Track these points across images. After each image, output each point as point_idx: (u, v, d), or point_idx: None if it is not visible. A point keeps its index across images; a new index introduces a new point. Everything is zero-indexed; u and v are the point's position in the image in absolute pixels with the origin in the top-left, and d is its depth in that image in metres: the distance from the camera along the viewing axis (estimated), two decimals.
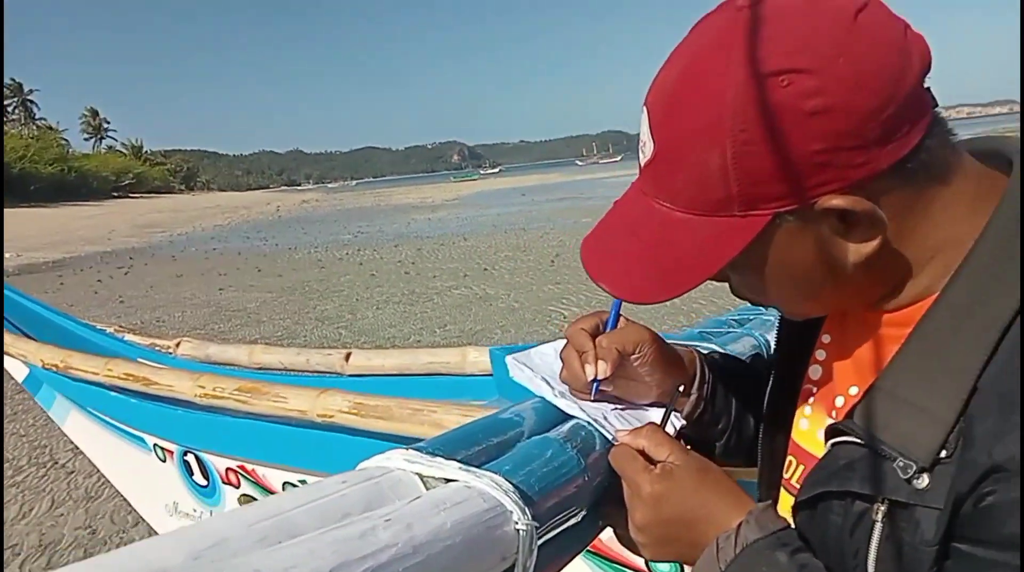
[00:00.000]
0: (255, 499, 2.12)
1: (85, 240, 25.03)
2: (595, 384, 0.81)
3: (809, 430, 0.73)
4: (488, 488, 0.63)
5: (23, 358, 2.55)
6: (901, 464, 0.52)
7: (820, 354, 0.73)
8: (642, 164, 0.63)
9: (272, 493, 2.03)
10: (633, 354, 0.81)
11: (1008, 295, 0.51)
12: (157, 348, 2.92)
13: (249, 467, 2.09)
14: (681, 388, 0.85)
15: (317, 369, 2.68)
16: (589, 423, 0.81)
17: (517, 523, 0.62)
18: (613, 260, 0.66)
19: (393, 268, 12.79)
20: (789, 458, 0.76)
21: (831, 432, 0.60)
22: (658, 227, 0.61)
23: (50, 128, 79.31)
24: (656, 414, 0.85)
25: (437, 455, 0.68)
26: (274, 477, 2.04)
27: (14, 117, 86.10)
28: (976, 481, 0.47)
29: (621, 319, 0.85)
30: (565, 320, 7.47)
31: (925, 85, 0.54)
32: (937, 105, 0.56)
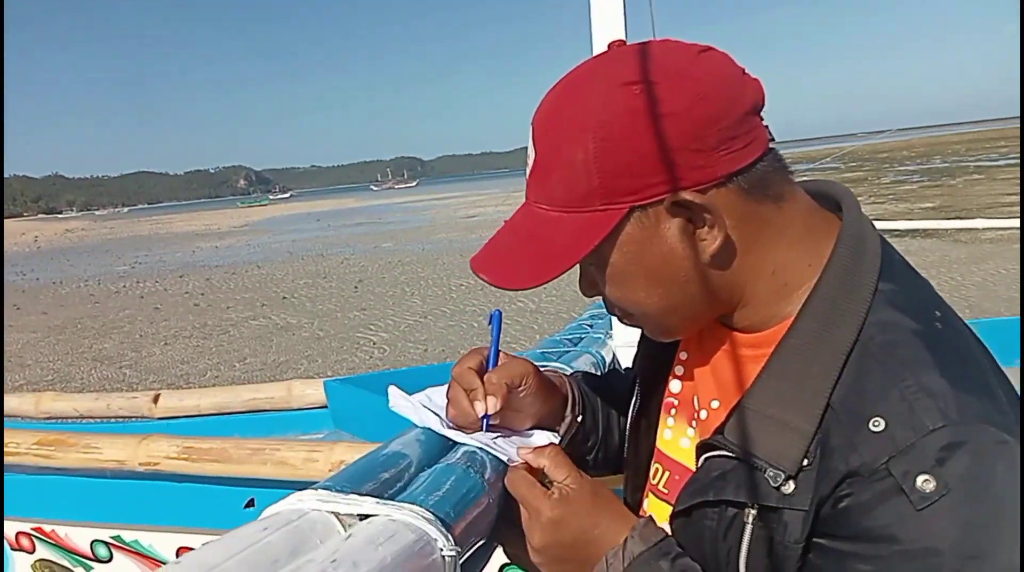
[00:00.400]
0: (55, 563, 1.88)
1: None
2: (485, 419, 0.82)
3: (672, 439, 0.81)
4: (411, 519, 0.63)
5: None
6: (771, 474, 0.59)
7: (679, 370, 0.82)
8: (527, 175, 0.69)
9: (79, 555, 1.82)
10: (519, 387, 0.84)
11: (848, 327, 0.60)
12: None
13: (48, 528, 1.85)
14: (579, 418, 0.90)
15: (120, 415, 2.44)
16: (481, 449, 0.82)
17: (443, 550, 0.62)
18: (493, 254, 0.72)
19: (180, 300, 11.90)
20: (655, 465, 0.83)
21: (703, 447, 0.67)
22: (534, 224, 0.68)
23: None
24: (538, 438, 0.88)
25: (349, 492, 0.66)
26: (80, 536, 1.82)
27: None
28: (834, 485, 0.55)
29: (501, 354, 0.87)
30: (374, 346, 7.39)
31: (764, 122, 0.65)
32: (774, 139, 0.66)
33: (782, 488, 0.58)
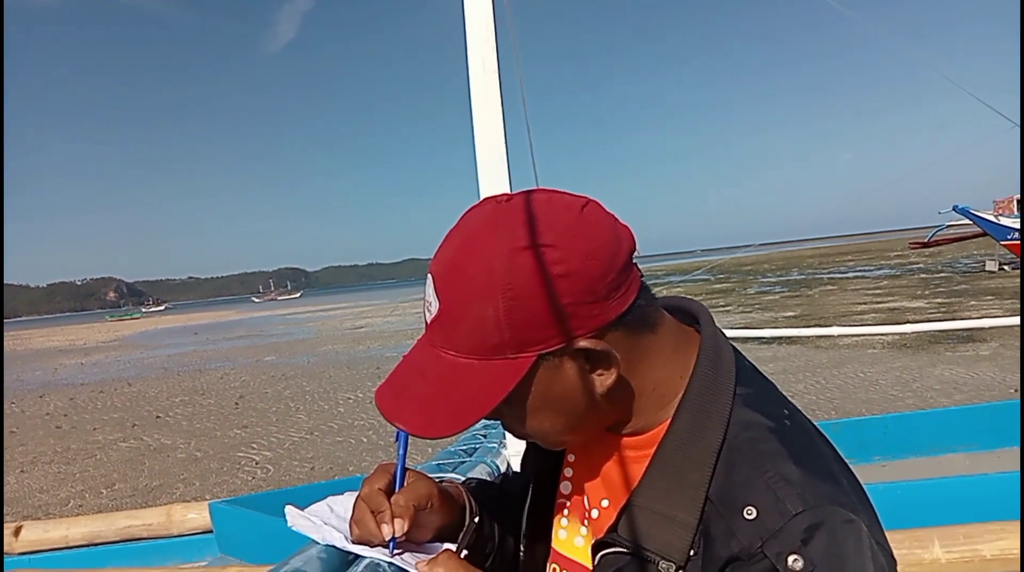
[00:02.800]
0: None
1: None
2: (392, 542, 0.86)
3: (567, 539, 0.87)
4: None
5: None
6: (663, 566, 0.67)
7: (568, 472, 0.89)
8: (428, 321, 0.75)
9: None
10: (425, 508, 0.89)
11: (715, 428, 0.70)
12: None
13: None
14: (475, 522, 0.94)
15: None
16: (383, 562, 0.85)
17: None
18: (405, 402, 0.75)
19: (39, 422, 10.96)
20: (552, 566, 0.89)
21: (599, 546, 0.74)
22: (444, 371, 0.72)
23: None
24: (437, 549, 0.92)
25: None
26: None
27: None
28: (719, 570, 0.63)
29: (408, 473, 0.92)
30: (256, 465, 7.03)
31: (633, 260, 0.76)
32: (643, 275, 0.78)
33: None
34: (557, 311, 0.67)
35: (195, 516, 2.12)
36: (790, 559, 0.60)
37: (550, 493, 0.90)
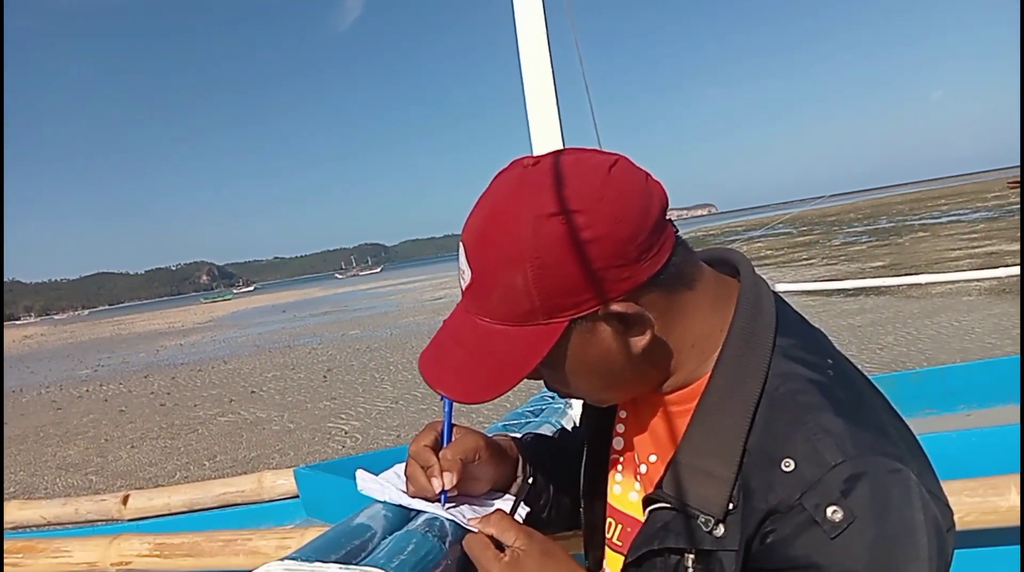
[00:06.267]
0: None
1: None
2: (443, 494, 0.89)
3: (622, 493, 0.88)
4: None
5: None
6: (703, 520, 0.67)
7: (620, 428, 0.90)
8: (463, 288, 0.76)
9: None
10: (473, 461, 0.91)
11: (754, 381, 0.68)
12: None
13: None
14: (530, 480, 0.96)
15: (89, 519, 2.42)
16: (438, 515, 0.89)
17: None
18: (445, 369, 0.77)
19: (146, 401, 11.66)
20: (608, 520, 0.90)
21: (647, 502, 0.75)
22: (481, 338, 0.74)
23: None
24: (497, 503, 0.95)
25: (314, 560, 0.72)
26: None
27: None
28: (758, 523, 0.62)
29: (454, 428, 0.94)
30: (346, 435, 7.30)
31: (667, 216, 0.75)
32: (678, 230, 0.77)
33: (714, 532, 0.65)
34: (587, 276, 0.67)
35: (283, 482, 2.23)
36: (829, 510, 0.59)
37: (605, 449, 0.91)
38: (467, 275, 0.73)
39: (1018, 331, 7.77)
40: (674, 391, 0.77)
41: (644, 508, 0.75)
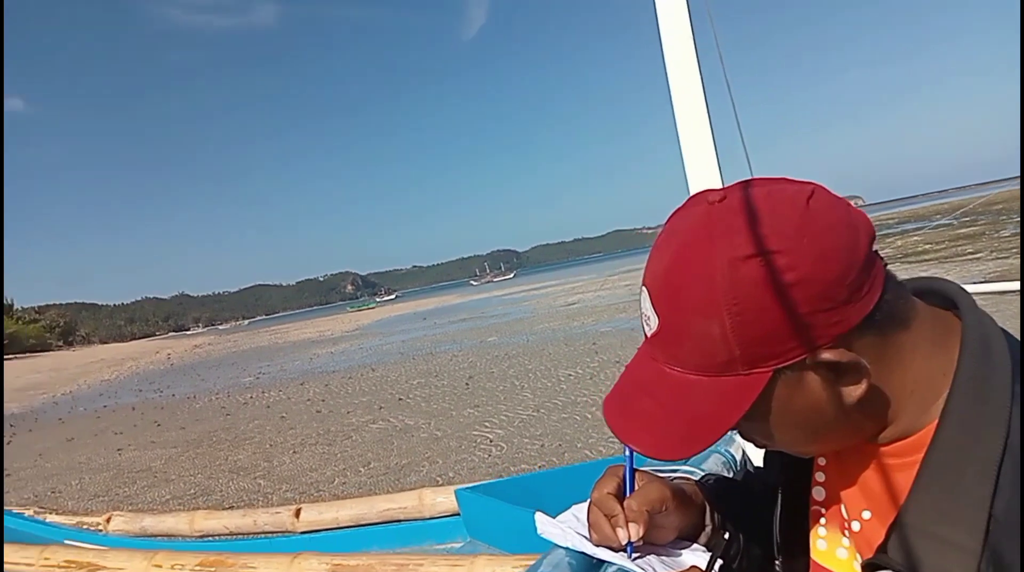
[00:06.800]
0: None
1: None
2: (629, 546, 0.85)
3: (828, 550, 0.81)
4: None
5: None
6: None
7: (820, 476, 0.83)
8: (648, 334, 0.72)
9: None
10: (659, 512, 0.87)
11: (994, 435, 0.60)
12: (85, 526, 2.72)
13: None
14: (726, 534, 0.91)
15: (265, 530, 2.58)
16: (628, 569, 0.85)
17: None
18: (634, 421, 0.73)
19: (303, 407, 12.39)
20: None
21: (871, 567, 0.68)
22: (673, 389, 0.69)
23: None
24: (685, 553, 0.90)
25: None
26: None
27: None
28: None
29: (637, 474, 0.90)
30: (491, 443, 7.41)
31: (875, 251, 0.67)
32: (887, 264, 0.69)
33: None
34: (791, 323, 0.61)
35: (443, 500, 2.28)
36: None
37: (801, 498, 0.85)
38: (653, 322, 0.69)
39: None
40: (891, 442, 0.70)
41: None
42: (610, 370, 10.63)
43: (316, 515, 2.52)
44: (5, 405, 23.85)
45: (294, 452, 8.72)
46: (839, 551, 0.78)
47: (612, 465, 0.93)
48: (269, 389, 16.35)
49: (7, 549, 2.14)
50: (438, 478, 6.46)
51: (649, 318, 0.69)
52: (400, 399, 11.51)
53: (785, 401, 0.65)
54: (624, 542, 0.85)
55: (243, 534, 2.60)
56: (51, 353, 78.51)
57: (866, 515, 0.73)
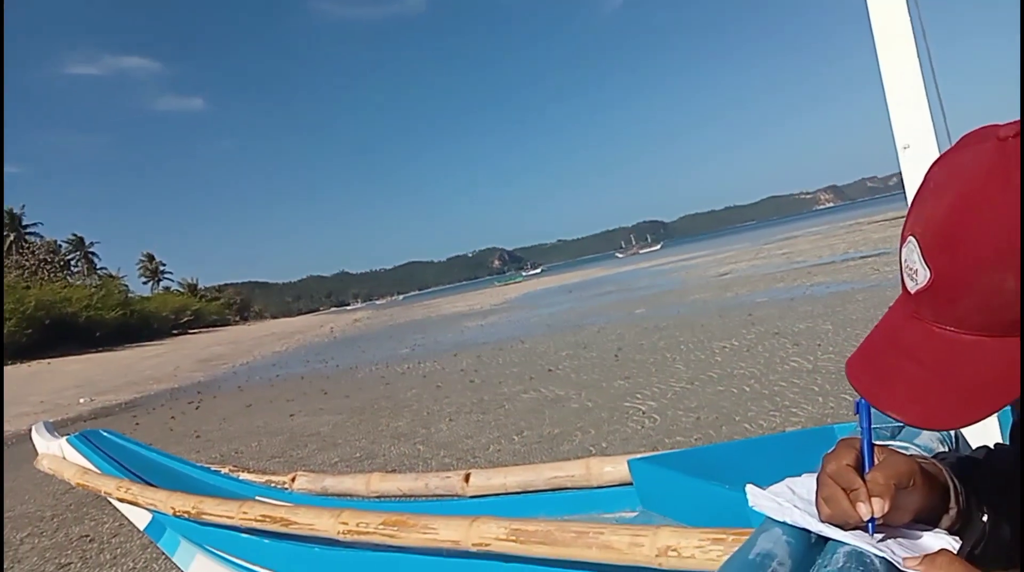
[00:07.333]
0: None
1: (153, 379, 25.74)
2: (871, 523, 0.77)
3: None
4: None
5: (152, 507, 2.57)
6: None
7: None
8: (913, 290, 0.64)
9: None
10: (906, 488, 0.78)
11: None
12: (273, 484, 2.92)
13: None
14: (984, 517, 0.81)
15: (436, 493, 2.65)
16: (864, 550, 0.77)
17: None
18: (896, 387, 0.66)
19: (457, 377, 12.79)
20: None
21: None
22: (946, 351, 0.61)
23: (111, 276, 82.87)
24: (927, 536, 0.81)
25: None
26: None
27: (77, 269, 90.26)
28: None
29: (876, 448, 0.82)
30: (643, 415, 7.31)
31: None
32: None
33: None
34: None
35: (611, 470, 2.24)
36: None
37: None
38: (922, 276, 0.61)
39: None
40: None
41: None
42: (768, 342, 10.17)
43: (485, 480, 2.56)
44: (193, 374, 26.47)
45: (450, 420, 9.01)
46: None
47: (845, 437, 0.84)
48: (424, 360, 17.02)
49: (211, 502, 2.32)
50: (591, 448, 6.47)
51: (916, 272, 0.62)
52: (549, 370, 11.61)
53: None
54: (866, 518, 0.77)
55: (416, 496, 2.69)
56: (229, 327, 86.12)
57: None
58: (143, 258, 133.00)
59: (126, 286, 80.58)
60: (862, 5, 1.61)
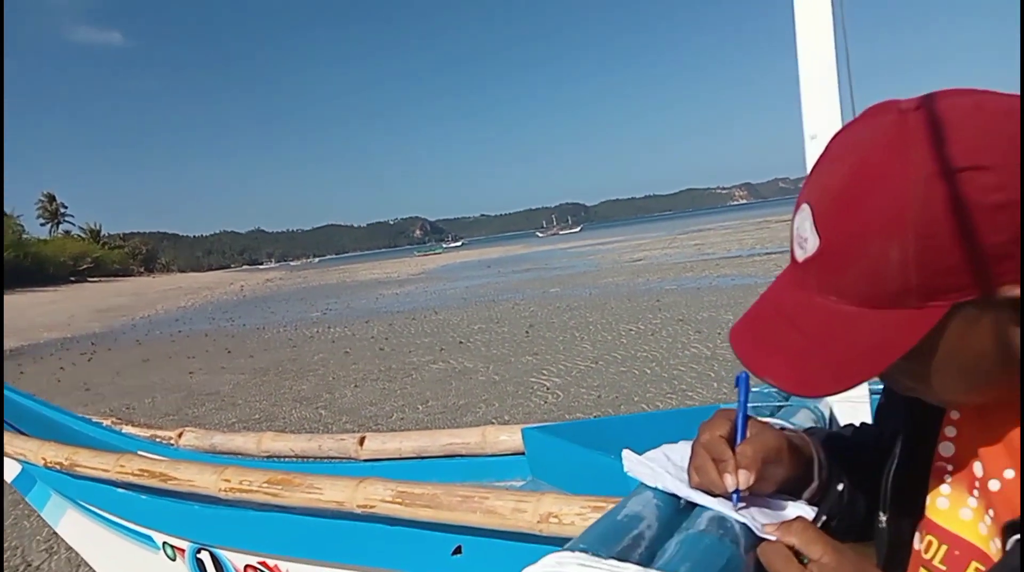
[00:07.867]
0: None
1: (44, 326, 24.36)
2: (735, 494, 0.79)
3: (949, 509, 0.72)
4: None
5: (21, 457, 2.42)
6: None
7: (950, 431, 0.73)
8: (800, 259, 0.64)
9: None
10: (772, 462, 0.81)
11: None
12: (158, 439, 2.81)
13: (272, 563, 1.99)
14: (839, 488, 0.84)
15: (329, 455, 2.61)
16: (726, 515, 0.79)
17: None
18: (774, 353, 0.66)
19: (367, 344, 12.64)
20: (927, 538, 0.75)
21: (1010, 529, 0.60)
22: (825, 320, 0.62)
23: (5, 215, 77.84)
24: (790, 506, 0.84)
25: (608, 557, 0.65)
26: None
27: None
28: None
29: (749, 421, 0.84)
30: (547, 391, 7.42)
31: None
32: None
33: None
34: (987, 252, 0.53)
35: (506, 438, 2.25)
36: None
37: (922, 454, 0.77)
38: (811, 244, 0.61)
39: None
40: None
41: (1003, 534, 0.60)
42: (672, 327, 10.47)
43: (380, 444, 2.53)
44: (89, 324, 25.20)
45: (355, 386, 8.91)
46: (962, 511, 0.70)
47: (722, 409, 0.86)
48: (335, 325, 16.74)
49: (86, 453, 2.21)
50: (493, 420, 6.52)
51: (807, 240, 0.62)
52: (460, 342, 11.61)
53: (955, 341, 0.58)
54: (731, 489, 0.79)
55: (308, 457, 2.64)
56: (132, 278, 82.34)
57: (1008, 474, 0.65)
58: (43, 198, 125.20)
59: (21, 226, 75.80)
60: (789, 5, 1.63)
